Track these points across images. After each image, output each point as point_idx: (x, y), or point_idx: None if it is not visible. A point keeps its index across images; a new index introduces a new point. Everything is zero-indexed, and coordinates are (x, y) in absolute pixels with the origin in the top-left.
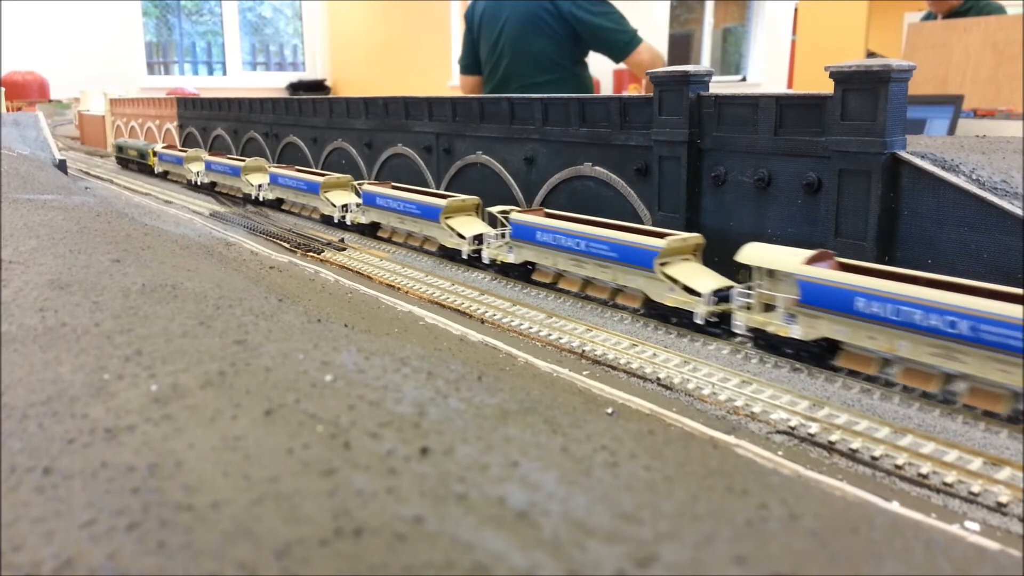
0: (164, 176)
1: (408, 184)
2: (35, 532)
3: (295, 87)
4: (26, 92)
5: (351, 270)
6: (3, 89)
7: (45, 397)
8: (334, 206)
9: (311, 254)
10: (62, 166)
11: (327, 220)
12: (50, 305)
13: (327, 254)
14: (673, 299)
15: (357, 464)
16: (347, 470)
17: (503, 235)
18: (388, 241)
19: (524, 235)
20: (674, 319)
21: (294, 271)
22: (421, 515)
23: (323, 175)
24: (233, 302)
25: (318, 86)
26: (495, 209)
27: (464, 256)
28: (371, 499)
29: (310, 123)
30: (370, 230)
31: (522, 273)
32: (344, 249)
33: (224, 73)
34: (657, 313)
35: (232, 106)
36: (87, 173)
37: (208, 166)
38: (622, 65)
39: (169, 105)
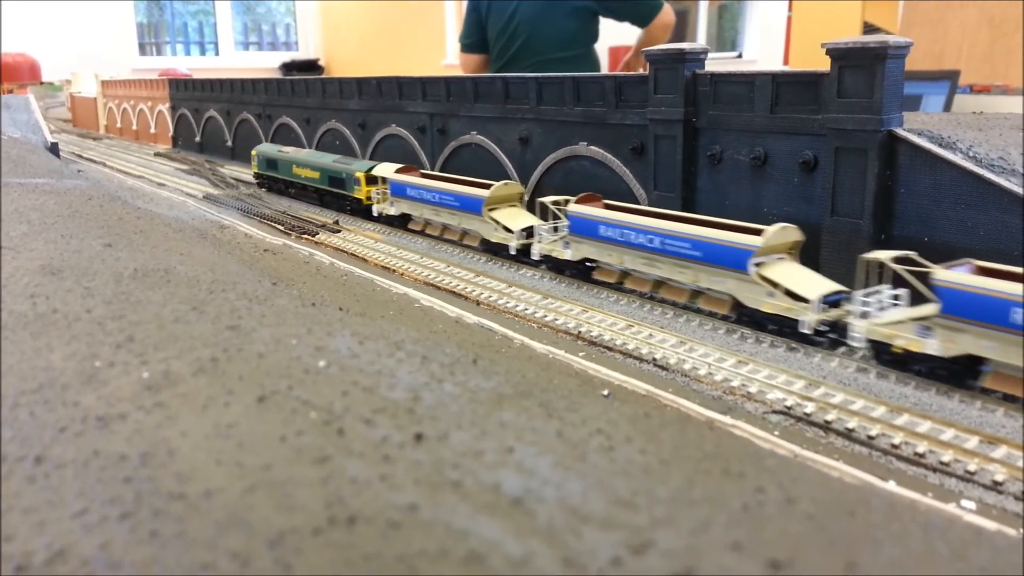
0: (403, 223)
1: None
2: (27, 522)
3: (288, 67)
4: (17, 74)
5: (346, 252)
6: None
7: (36, 385)
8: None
9: (305, 236)
10: (54, 149)
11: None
12: (41, 291)
13: (321, 236)
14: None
15: (351, 451)
16: (341, 457)
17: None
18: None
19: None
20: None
21: (288, 254)
22: (415, 503)
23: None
24: (226, 286)
25: (311, 66)
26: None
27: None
28: (365, 487)
29: (303, 104)
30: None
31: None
32: (339, 231)
33: (216, 53)
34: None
35: (224, 87)
36: (79, 156)
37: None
38: (617, 43)
39: (161, 86)
